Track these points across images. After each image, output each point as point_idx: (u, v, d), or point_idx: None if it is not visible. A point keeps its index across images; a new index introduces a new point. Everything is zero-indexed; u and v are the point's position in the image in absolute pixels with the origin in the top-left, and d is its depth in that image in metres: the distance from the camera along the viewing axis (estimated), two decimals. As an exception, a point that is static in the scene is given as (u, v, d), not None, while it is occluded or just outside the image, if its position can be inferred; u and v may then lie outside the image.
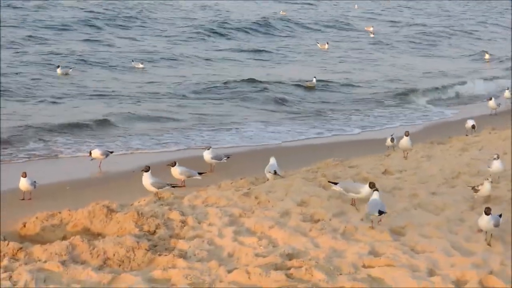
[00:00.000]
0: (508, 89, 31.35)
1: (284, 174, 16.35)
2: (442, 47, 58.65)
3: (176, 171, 16.44)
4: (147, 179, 14.56)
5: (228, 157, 18.70)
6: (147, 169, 14.63)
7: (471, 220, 12.73)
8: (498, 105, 28.96)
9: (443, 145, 21.04)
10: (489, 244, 11.71)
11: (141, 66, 37.76)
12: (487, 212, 11.75)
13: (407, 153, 19.23)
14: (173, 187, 14.91)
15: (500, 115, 28.50)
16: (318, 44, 51.55)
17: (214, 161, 18.48)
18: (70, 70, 35.15)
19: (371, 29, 63.45)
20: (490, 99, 29.30)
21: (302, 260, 10.71)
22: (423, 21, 75.71)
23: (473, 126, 23.15)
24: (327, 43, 51.64)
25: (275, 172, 15.84)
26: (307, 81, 35.81)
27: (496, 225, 11.84)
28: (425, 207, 13.69)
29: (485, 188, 14.02)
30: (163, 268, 10.54)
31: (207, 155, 18.41)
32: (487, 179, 14.14)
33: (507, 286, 10.05)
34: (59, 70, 34.57)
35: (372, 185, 12.95)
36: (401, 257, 10.94)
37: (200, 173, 16.71)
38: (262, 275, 10.13)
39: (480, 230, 12.03)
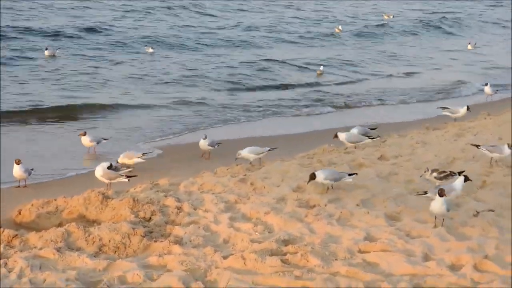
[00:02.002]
0: None
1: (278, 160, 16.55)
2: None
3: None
4: (99, 170, 14.46)
5: (219, 144, 18.73)
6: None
7: (466, 205, 12.76)
8: (495, 91, 28.92)
9: (438, 130, 21.04)
10: (435, 226, 11.69)
11: (151, 50, 38.22)
12: (441, 193, 11.64)
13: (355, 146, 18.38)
14: (128, 177, 14.48)
15: (495, 101, 28.45)
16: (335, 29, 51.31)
17: (210, 147, 18.51)
18: (57, 51, 35.27)
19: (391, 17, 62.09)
20: (486, 84, 29.26)
21: (298, 246, 10.72)
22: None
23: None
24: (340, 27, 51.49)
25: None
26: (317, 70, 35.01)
27: (449, 209, 11.74)
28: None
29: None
30: (158, 254, 10.54)
31: (203, 143, 18.42)
32: (425, 171, 13.98)
33: (501, 270, 10.07)
34: (46, 52, 34.63)
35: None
36: (396, 242, 10.96)
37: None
38: (258, 261, 10.14)
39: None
